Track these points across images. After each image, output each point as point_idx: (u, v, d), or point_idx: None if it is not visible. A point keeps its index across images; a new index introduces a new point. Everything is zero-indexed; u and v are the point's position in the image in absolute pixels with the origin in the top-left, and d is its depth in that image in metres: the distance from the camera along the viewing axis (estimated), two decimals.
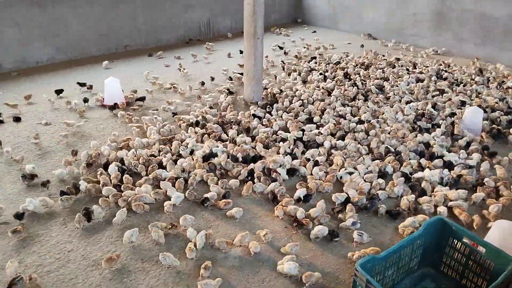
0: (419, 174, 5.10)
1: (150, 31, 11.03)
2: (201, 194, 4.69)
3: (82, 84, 7.98)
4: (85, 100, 7.24)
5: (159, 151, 5.59)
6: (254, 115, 6.67)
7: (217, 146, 5.65)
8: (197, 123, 6.38)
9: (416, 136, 6.05)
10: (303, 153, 5.67)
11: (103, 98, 7.39)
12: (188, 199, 4.65)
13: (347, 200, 4.63)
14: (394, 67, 9.24)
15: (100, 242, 4.03)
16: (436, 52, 10.63)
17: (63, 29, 9.47)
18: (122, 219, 4.25)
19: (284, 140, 5.91)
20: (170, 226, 4.13)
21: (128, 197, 4.53)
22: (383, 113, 6.82)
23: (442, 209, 4.44)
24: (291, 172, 5.16)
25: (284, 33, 12.74)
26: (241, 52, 9.89)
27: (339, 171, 5.18)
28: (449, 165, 5.34)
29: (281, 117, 6.67)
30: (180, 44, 11.39)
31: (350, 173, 5.11)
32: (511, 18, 9.26)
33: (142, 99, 7.35)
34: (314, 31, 13.04)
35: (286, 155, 5.51)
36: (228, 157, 5.40)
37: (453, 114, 6.82)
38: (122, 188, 4.72)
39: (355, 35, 12.53)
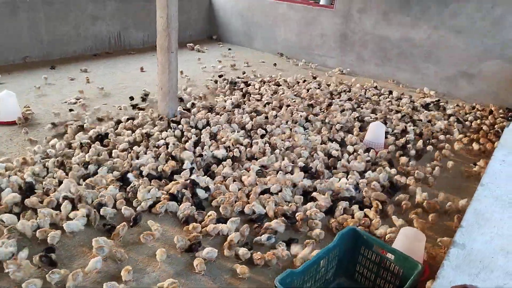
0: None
1: (54, 42, 10.20)
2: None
3: None
4: None
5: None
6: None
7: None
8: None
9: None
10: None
11: None
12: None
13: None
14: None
15: None
16: (341, 72, 11.33)
17: None
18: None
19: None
20: None
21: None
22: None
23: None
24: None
25: (199, 49, 12.63)
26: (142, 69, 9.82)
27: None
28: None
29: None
30: (87, 56, 10.69)
31: (264, 191, 5.09)
32: (403, 40, 10.27)
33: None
34: (229, 49, 13.18)
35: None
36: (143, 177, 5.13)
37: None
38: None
39: (269, 53, 12.89)
